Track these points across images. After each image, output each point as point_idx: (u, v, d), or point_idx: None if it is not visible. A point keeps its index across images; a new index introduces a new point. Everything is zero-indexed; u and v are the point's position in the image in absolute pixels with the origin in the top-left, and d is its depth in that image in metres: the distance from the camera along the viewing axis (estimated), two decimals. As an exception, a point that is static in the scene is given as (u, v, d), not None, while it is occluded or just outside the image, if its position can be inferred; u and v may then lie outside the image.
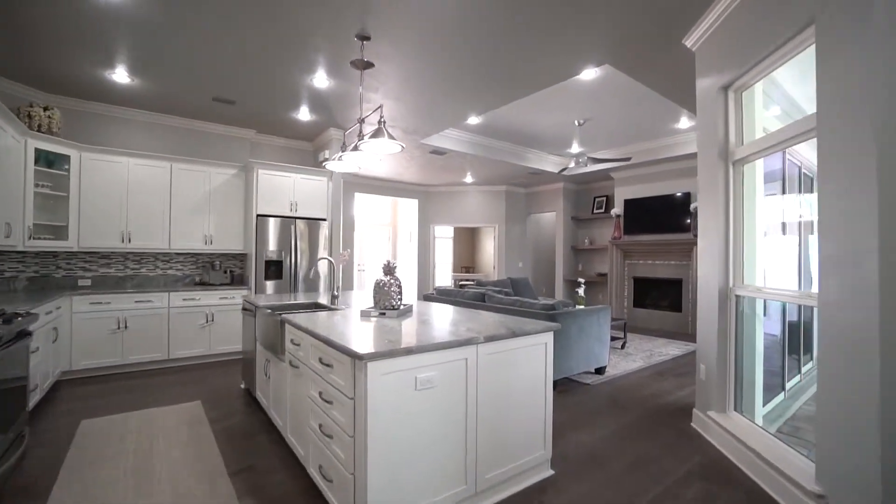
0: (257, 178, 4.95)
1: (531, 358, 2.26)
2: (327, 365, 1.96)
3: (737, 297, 2.74)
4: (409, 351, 1.75)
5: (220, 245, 5.09)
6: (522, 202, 9.56)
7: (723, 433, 2.69)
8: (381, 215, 10.28)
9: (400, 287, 2.66)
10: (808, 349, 3.75)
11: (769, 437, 2.46)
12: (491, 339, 2.04)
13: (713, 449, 2.71)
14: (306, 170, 5.30)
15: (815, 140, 2.42)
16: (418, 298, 8.62)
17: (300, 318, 2.47)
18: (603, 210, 8.51)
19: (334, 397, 1.89)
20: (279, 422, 2.72)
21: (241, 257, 5.49)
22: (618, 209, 7.79)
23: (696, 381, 3.07)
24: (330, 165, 3.44)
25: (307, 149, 6.05)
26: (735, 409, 2.76)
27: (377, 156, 2.88)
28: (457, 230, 10.98)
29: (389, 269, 2.65)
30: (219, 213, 5.08)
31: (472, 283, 6.52)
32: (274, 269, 5.06)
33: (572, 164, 5.79)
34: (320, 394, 2.03)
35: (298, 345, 2.35)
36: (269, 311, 2.93)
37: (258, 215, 4.96)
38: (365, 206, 9.73)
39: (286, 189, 5.17)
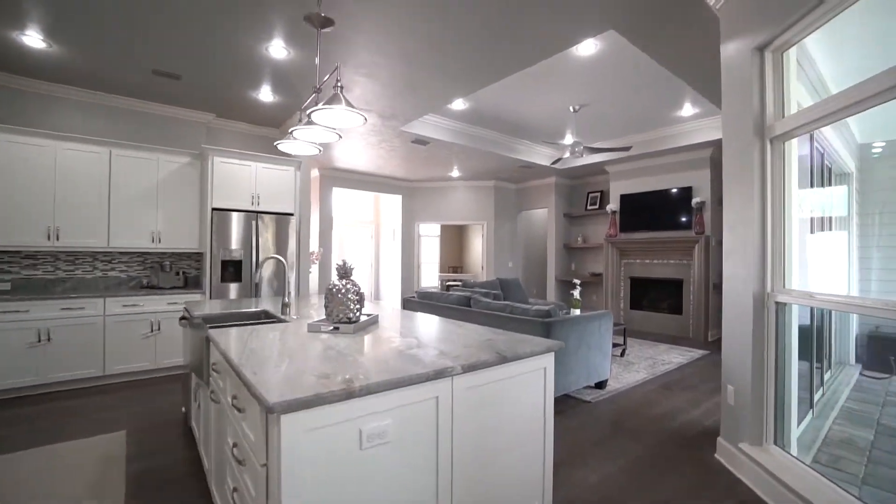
0: (212, 166, 4.34)
1: (526, 388, 1.71)
2: (240, 409, 1.39)
3: (777, 304, 2.23)
4: (349, 394, 1.19)
5: (170, 243, 4.46)
6: (512, 198, 9.04)
7: (759, 471, 2.18)
8: (363, 212, 9.67)
9: (359, 294, 2.10)
10: (828, 355, 3.34)
11: (824, 481, 1.95)
12: (472, 368, 1.48)
13: (748, 491, 2.20)
14: (269, 158, 4.69)
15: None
16: (402, 299, 8.03)
17: (225, 333, 1.89)
18: (597, 206, 8.03)
19: (247, 457, 1.32)
20: (206, 464, 2.14)
21: (197, 257, 4.86)
22: (613, 205, 7.30)
23: (722, 404, 2.56)
24: (283, 146, 2.86)
25: (274, 136, 5.43)
26: (774, 443, 2.25)
27: (336, 129, 2.32)
28: (443, 228, 10.42)
29: (345, 272, 2.08)
30: (169, 206, 4.45)
31: (459, 284, 5.97)
32: (233, 270, 4.45)
33: (567, 155, 5.28)
34: (234, 447, 1.46)
35: (219, 372, 1.77)
36: (199, 321, 2.34)
37: (214, 209, 4.35)
38: (345, 201, 9.12)
39: (247, 180, 4.56)
